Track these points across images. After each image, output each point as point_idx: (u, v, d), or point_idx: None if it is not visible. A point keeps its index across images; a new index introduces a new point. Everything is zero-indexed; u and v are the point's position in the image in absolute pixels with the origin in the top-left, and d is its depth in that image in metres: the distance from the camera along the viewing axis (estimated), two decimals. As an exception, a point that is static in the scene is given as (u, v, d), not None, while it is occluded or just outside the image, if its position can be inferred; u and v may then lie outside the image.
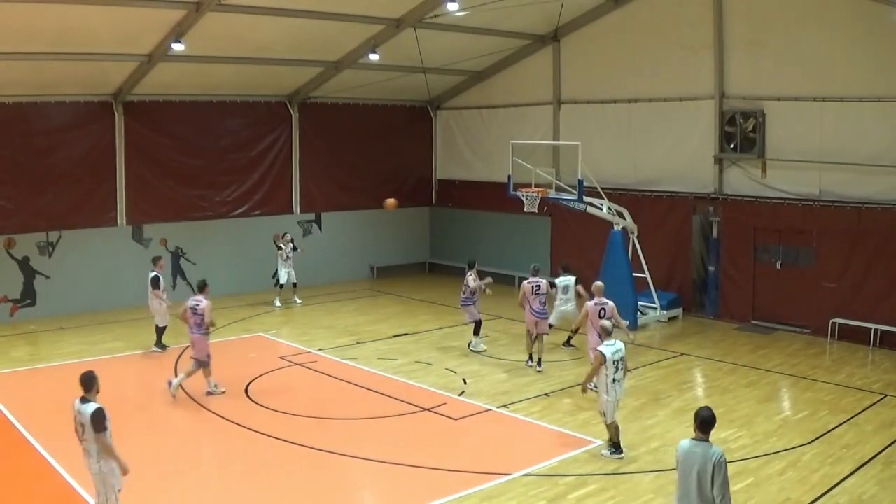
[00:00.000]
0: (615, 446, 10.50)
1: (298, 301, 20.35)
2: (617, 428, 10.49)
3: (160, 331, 15.78)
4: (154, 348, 15.79)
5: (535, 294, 14.38)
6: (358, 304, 20.48)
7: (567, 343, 16.03)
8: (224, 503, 9.44)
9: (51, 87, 18.18)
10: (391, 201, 19.01)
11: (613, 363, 10.19)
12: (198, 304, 13.01)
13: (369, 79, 21.28)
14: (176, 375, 14.21)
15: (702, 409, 6.84)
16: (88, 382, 8.10)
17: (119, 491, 8.03)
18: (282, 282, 20.18)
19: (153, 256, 16.54)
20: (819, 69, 16.56)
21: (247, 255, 21.70)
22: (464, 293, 15.74)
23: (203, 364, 12.97)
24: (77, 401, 8.09)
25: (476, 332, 15.85)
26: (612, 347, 10.24)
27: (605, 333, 10.45)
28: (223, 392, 13.08)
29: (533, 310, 14.40)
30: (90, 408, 7.89)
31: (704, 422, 6.70)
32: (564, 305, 15.95)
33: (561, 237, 21.91)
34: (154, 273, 15.75)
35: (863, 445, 10.86)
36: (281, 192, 22.55)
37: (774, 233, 17.80)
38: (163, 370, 14.53)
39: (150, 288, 15.70)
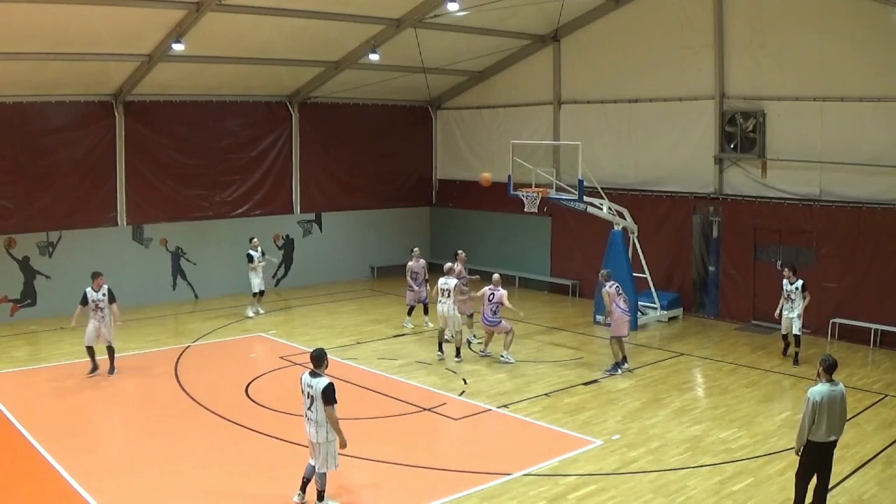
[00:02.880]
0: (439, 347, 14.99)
1: (261, 311, 19.17)
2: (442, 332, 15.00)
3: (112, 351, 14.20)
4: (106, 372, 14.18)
5: (619, 294, 14.83)
6: (358, 304, 20.47)
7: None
8: (224, 503, 9.44)
9: (51, 87, 18.18)
10: (486, 176, 17.93)
11: (440, 291, 15.01)
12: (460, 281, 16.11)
13: (369, 79, 21.28)
14: (177, 373, 14.24)
15: (827, 356, 8.51)
16: (319, 358, 8.81)
17: (336, 467, 8.97)
18: (256, 290, 18.99)
19: (93, 272, 14.39)
20: (819, 69, 16.56)
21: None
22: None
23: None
24: (307, 374, 8.86)
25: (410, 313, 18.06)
26: (442, 280, 15.07)
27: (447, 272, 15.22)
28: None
29: (623, 309, 14.75)
30: (322, 382, 8.66)
31: (832, 366, 8.44)
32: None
33: (561, 237, 21.91)
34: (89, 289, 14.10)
35: (863, 445, 10.86)
36: (281, 192, 22.56)
37: (774, 233, 17.79)
38: (162, 370, 14.53)
39: (107, 305, 14.09)
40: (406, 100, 24.45)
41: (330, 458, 8.87)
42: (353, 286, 22.58)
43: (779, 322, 15.36)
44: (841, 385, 8.53)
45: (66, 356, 15.48)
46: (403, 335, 17.27)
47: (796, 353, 15.02)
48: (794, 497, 8.63)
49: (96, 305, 14.00)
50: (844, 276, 16.59)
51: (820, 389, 8.39)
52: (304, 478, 9.17)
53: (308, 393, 8.80)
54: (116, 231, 19.83)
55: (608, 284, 14.88)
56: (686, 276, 19.41)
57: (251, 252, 19.11)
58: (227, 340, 16.86)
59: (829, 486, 9.41)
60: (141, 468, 10.24)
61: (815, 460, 8.50)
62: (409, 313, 18.04)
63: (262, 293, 19.25)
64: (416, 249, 18.37)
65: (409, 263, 17.95)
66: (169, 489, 9.64)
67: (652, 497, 9.35)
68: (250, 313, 19.03)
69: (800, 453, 8.60)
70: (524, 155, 18.47)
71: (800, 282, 14.92)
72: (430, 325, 17.60)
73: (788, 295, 14.99)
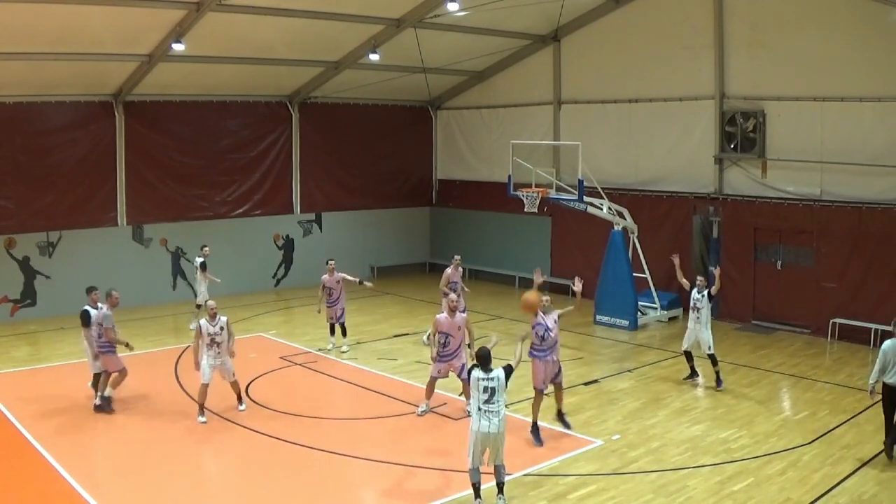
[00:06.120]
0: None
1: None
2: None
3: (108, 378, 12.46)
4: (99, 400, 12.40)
5: None
6: (358, 304, 20.41)
7: None
8: (224, 503, 9.44)
9: (51, 87, 18.19)
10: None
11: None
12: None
13: (369, 79, 21.28)
14: (176, 376, 14.23)
15: None
16: (488, 357, 9.14)
17: None
18: (200, 301, 17.04)
19: (87, 286, 12.86)
20: (819, 69, 16.56)
21: (247, 255, 21.71)
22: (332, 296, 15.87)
23: None
24: (477, 371, 9.04)
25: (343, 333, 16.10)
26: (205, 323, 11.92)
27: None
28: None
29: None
30: (500, 371, 9.04)
31: None
32: None
33: (561, 237, 21.91)
34: (86, 307, 12.50)
35: (863, 445, 10.86)
36: (281, 193, 22.56)
37: (775, 233, 17.80)
38: (162, 370, 14.52)
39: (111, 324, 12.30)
40: (406, 100, 24.45)
41: (503, 450, 9.03)
42: (354, 286, 22.47)
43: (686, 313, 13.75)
44: None
45: (66, 356, 15.47)
46: (405, 335, 17.26)
47: (717, 372, 13.41)
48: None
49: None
50: (844, 276, 16.59)
51: (889, 342, 10.28)
52: (475, 484, 8.90)
53: (486, 387, 8.89)
54: (116, 231, 19.83)
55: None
56: (686, 277, 19.34)
57: (202, 259, 17.47)
58: (227, 340, 16.82)
59: (830, 487, 9.50)
60: (141, 468, 10.23)
61: (889, 399, 10.29)
62: (332, 332, 16.06)
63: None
64: (331, 262, 16.08)
65: (324, 277, 15.90)
66: (169, 489, 9.63)
67: (652, 497, 9.34)
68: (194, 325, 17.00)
69: (871, 393, 10.69)
70: (524, 155, 18.48)
71: (706, 290, 13.39)
72: (346, 348, 15.93)
73: (695, 304, 13.43)
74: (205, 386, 11.85)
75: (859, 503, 9.17)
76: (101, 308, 12.31)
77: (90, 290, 12.74)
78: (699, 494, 9.40)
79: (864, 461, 10.31)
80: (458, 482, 9.71)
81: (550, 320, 11.20)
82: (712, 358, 13.41)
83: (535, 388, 11.25)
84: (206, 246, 18.01)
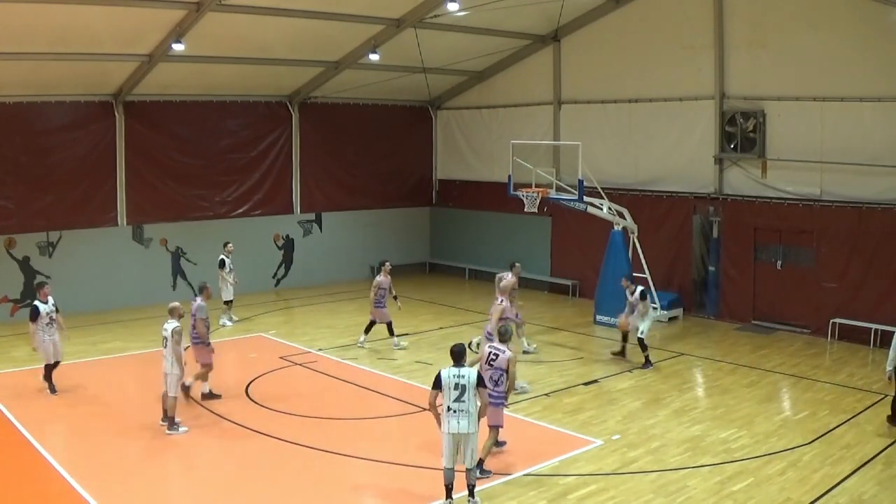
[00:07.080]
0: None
1: (235, 319, 18.54)
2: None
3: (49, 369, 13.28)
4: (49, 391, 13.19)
5: None
6: (358, 304, 20.41)
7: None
8: (223, 502, 9.44)
9: (51, 87, 18.18)
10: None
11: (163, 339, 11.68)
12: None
13: (369, 79, 21.28)
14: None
15: None
16: (462, 354, 9.22)
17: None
18: (229, 298, 18.16)
19: (37, 282, 13.51)
20: (819, 69, 16.56)
21: (247, 255, 21.66)
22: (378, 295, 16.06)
23: None
24: (448, 370, 9.10)
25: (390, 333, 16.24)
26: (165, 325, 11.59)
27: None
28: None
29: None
30: (473, 371, 9.19)
31: None
32: None
33: (561, 237, 21.91)
34: (36, 302, 13.14)
35: (863, 445, 10.86)
36: (281, 193, 22.56)
37: (775, 233, 17.80)
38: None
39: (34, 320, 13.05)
40: (406, 100, 24.45)
41: (475, 450, 9.09)
42: (353, 286, 22.55)
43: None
44: None
45: (66, 356, 15.37)
46: (405, 335, 17.24)
47: (646, 356, 14.83)
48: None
49: (50, 318, 13.12)
50: (844, 276, 16.59)
51: None
52: (447, 485, 8.98)
53: (457, 384, 8.95)
54: (116, 231, 19.83)
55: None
56: (686, 276, 19.41)
57: (224, 257, 18.08)
58: (227, 340, 16.84)
59: (830, 487, 9.50)
60: (141, 468, 10.24)
61: None
62: (368, 330, 16.31)
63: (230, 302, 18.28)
64: (387, 263, 16.33)
65: (379, 279, 16.02)
66: (169, 489, 9.65)
67: (652, 497, 9.34)
68: (228, 322, 18.25)
69: (890, 379, 11.30)
70: (524, 155, 18.47)
71: (639, 289, 15.12)
72: (403, 343, 16.21)
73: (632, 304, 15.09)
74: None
75: (859, 503, 9.17)
76: (196, 300, 12.75)
77: (40, 285, 13.26)
78: (699, 494, 9.40)
79: (864, 461, 10.31)
80: (457, 482, 9.70)
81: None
82: (640, 342, 14.86)
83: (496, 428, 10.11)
84: (229, 243, 18.50)
